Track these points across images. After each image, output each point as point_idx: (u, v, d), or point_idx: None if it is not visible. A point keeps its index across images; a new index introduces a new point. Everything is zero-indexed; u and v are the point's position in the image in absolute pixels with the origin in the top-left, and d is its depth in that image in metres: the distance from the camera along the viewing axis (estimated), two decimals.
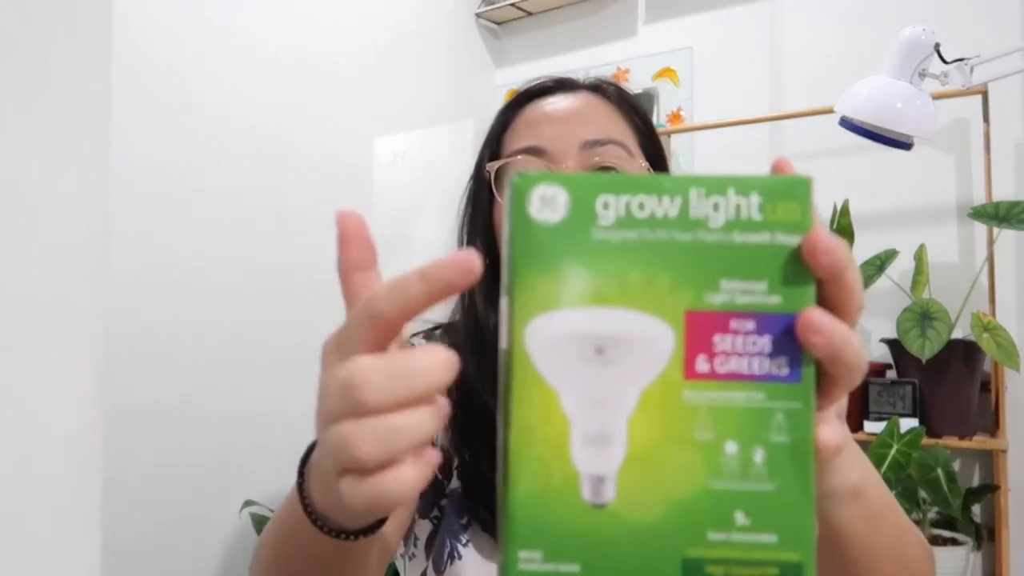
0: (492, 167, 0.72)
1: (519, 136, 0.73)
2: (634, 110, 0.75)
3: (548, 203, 0.29)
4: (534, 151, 0.70)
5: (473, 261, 0.29)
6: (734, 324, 0.29)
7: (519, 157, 0.71)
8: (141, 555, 1.67)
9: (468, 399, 0.69)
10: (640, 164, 0.72)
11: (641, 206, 0.29)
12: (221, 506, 1.81)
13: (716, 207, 0.29)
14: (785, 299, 0.29)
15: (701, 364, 0.29)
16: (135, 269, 1.66)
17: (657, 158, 0.75)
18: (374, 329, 0.31)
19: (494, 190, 0.72)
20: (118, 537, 1.60)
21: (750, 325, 0.29)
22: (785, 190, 0.29)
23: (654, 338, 0.29)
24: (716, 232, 0.29)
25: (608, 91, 0.75)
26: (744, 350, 0.29)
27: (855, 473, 0.44)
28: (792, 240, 0.29)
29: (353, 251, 0.38)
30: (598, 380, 0.29)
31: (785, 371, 0.29)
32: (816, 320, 0.28)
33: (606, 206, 0.29)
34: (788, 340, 0.29)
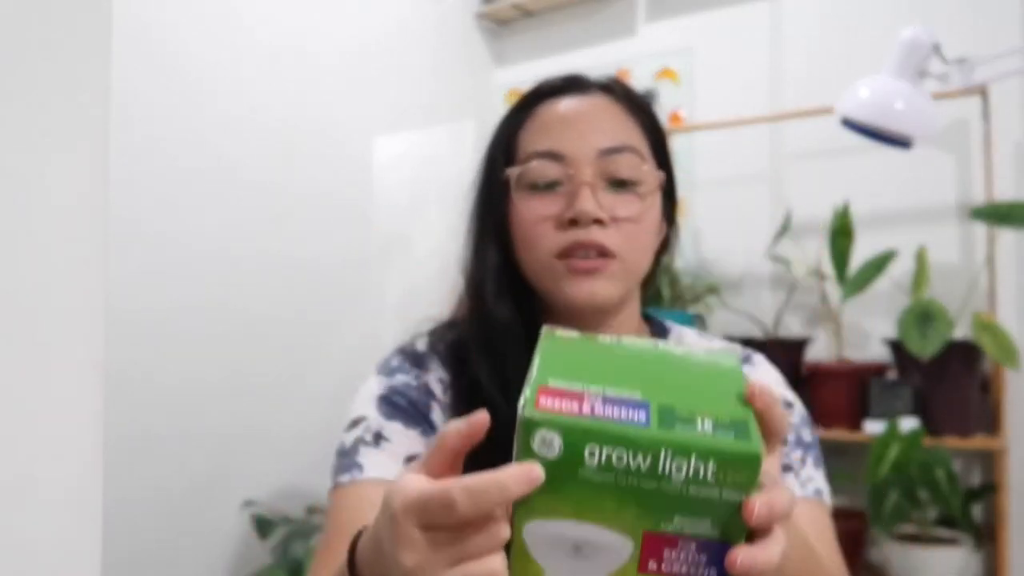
0: (512, 172, 0.73)
1: (535, 138, 0.74)
2: (642, 111, 0.77)
3: (546, 444, 0.36)
4: (552, 155, 0.72)
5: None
6: (681, 543, 0.37)
7: (533, 163, 0.72)
8: (141, 554, 1.67)
9: (475, 394, 0.72)
10: (651, 170, 0.73)
11: (619, 458, 0.36)
12: (221, 505, 1.81)
13: (679, 468, 0.36)
14: (723, 533, 0.37)
15: (651, 564, 0.38)
16: (134, 268, 1.67)
17: (664, 157, 0.77)
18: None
19: (513, 193, 0.73)
20: (118, 536, 1.60)
21: (693, 546, 0.37)
22: (738, 463, 0.36)
23: (618, 547, 0.38)
24: (676, 485, 0.36)
25: (617, 91, 0.77)
26: (685, 559, 0.37)
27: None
28: (736, 496, 0.36)
29: (466, 442, 0.45)
30: (574, 566, 0.38)
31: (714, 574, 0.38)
32: (742, 564, 0.38)
33: (592, 454, 0.36)
34: (720, 558, 0.37)
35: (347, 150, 2.17)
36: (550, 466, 0.36)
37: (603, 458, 0.36)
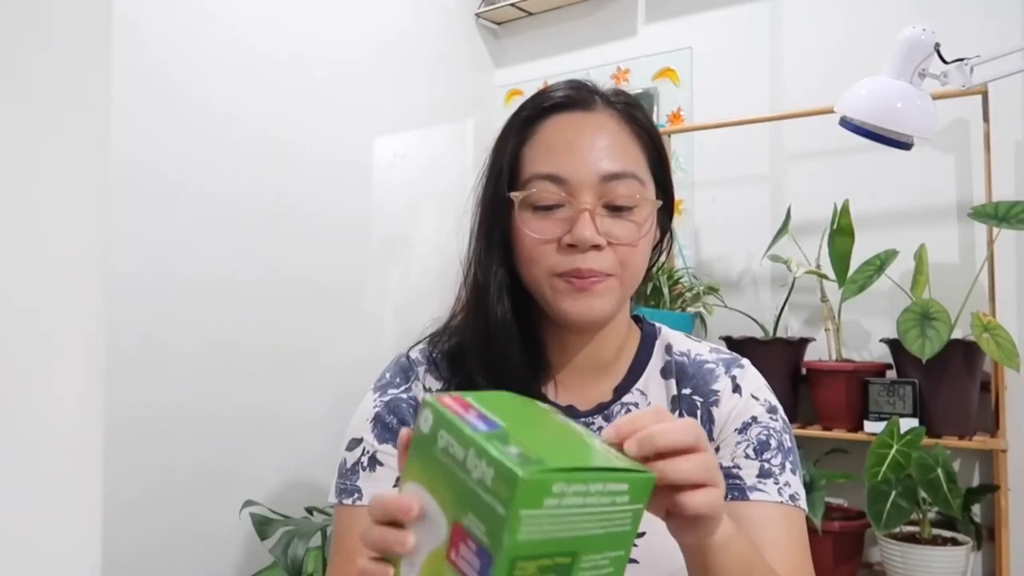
0: (516, 197, 0.76)
1: (539, 159, 0.77)
2: (644, 129, 0.80)
3: (425, 420, 0.46)
4: (555, 179, 0.75)
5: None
6: (469, 540, 0.42)
7: (536, 186, 0.76)
8: (141, 555, 1.67)
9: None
10: (649, 196, 0.78)
11: (453, 447, 0.43)
12: (221, 506, 1.81)
13: (476, 467, 0.41)
14: (490, 539, 0.41)
15: (453, 554, 0.43)
16: (134, 270, 1.67)
17: (663, 172, 0.82)
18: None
19: (516, 212, 0.77)
20: (118, 537, 1.60)
21: (474, 547, 0.41)
22: (504, 477, 0.40)
23: (440, 527, 0.44)
24: (473, 481, 0.42)
25: (621, 108, 0.79)
26: (467, 558, 0.42)
27: (726, 530, 0.59)
28: (498, 508, 0.40)
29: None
30: (419, 530, 0.46)
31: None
32: (680, 502, 0.52)
33: (442, 438, 0.44)
34: (487, 562, 0.41)
35: (347, 152, 2.17)
36: (423, 439, 0.46)
37: (445, 442, 0.44)
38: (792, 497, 0.77)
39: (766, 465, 0.78)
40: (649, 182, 0.78)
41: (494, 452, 0.41)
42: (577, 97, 0.79)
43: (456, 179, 2.46)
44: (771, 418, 0.81)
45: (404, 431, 0.51)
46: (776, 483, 0.77)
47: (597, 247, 0.74)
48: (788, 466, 0.79)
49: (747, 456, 0.78)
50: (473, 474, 0.42)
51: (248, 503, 1.75)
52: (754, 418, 0.81)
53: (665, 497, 0.52)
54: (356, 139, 2.20)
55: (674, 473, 0.50)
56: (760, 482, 0.77)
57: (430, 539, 0.45)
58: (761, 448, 0.79)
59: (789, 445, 0.81)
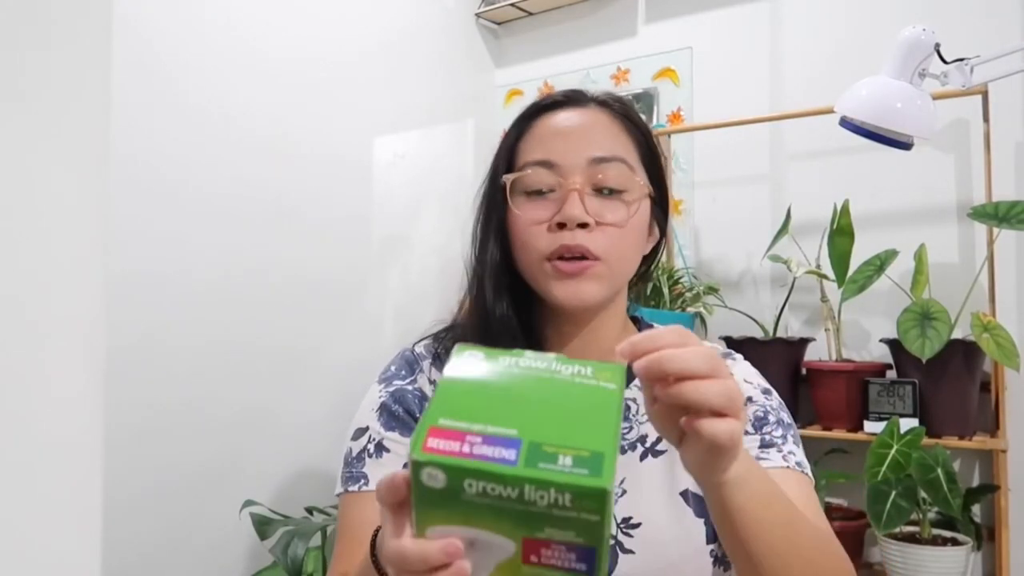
0: (508, 179, 0.80)
1: (532, 148, 0.81)
2: (636, 125, 0.83)
3: (433, 477, 0.43)
4: (546, 164, 0.79)
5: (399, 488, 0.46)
6: (553, 545, 0.43)
7: (528, 171, 0.79)
8: (141, 555, 1.67)
9: None
10: (639, 181, 0.80)
11: (492, 489, 0.42)
12: (221, 506, 1.81)
13: (541, 497, 0.41)
14: (586, 540, 0.43)
15: (532, 558, 0.44)
16: (134, 270, 1.67)
17: (657, 172, 0.84)
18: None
19: (508, 198, 0.80)
20: (118, 537, 1.60)
21: (563, 547, 0.43)
22: (588, 496, 0.41)
23: (504, 545, 0.44)
24: (541, 508, 0.42)
25: (613, 107, 0.83)
26: (558, 555, 0.44)
27: (740, 467, 0.57)
28: (592, 517, 0.42)
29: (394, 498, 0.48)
30: (471, 555, 0.45)
31: (583, 567, 0.44)
32: (686, 424, 0.52)
33: (469, 485, 0.42)
34: (587, 556, 0.43)
35: (347, 152, 2.17)
36: (439, 492, 0.43)
37: (479, 488, 0.42)
38: (798, 464, 0.77)
39: (767, 437, 0.78)
40: (639, 170, 0.81)
41: (558, 478, 0.41)
42: (573, 96, 0.83)
43: (456, 179, 2.46)
44: (766, 398, 0.83)
45: (392, 486, 0.46)
46: (780, 452, 0.77)
47: (585, 225, 0.76)
48: (790, 438, 0.79)
49: (746, 432, 0.78)
50: (540, 503, 0.42)
51: (248, 503, 1.75)
52: (749, 398, 0.82)
53: (681, 421, 0.51)
54: (356, 139, 2.20)
55: (694, 394, 0.49)
56: (763, 452, 0.77)
57: (491, 556, 0.45)
58: (759, 424, 0.79)
59: (788, 421, 0.82)
